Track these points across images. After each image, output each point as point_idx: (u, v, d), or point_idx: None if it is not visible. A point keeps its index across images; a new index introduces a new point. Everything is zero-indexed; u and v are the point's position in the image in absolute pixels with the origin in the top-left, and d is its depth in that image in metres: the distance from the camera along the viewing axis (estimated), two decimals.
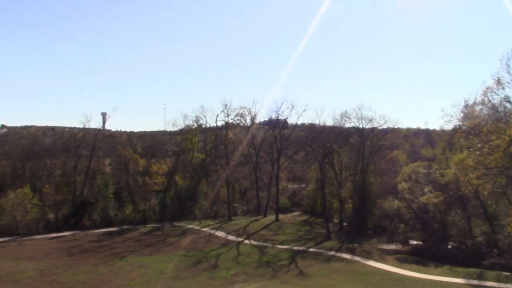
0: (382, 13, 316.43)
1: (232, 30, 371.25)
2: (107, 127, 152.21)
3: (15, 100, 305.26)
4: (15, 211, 77.47)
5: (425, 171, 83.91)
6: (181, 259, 60.40)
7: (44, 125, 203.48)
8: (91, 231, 79.52)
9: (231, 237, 75.68)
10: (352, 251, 67.12)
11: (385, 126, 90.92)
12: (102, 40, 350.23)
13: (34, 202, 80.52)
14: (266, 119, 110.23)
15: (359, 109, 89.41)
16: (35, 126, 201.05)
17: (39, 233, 77.07)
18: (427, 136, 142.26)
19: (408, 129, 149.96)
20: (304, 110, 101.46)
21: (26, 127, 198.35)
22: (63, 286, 48.23)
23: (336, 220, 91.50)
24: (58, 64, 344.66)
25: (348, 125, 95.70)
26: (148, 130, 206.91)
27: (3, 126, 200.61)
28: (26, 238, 73.88)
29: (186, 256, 62.28)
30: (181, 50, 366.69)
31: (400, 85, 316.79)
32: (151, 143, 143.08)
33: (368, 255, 64.84)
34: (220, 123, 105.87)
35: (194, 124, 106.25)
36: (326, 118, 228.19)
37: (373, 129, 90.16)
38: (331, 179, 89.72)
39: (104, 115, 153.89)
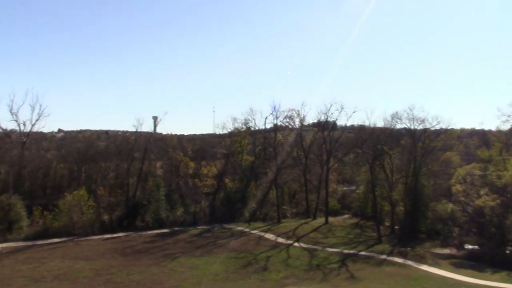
0: (433, 10, 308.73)
1: (280, 33, 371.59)
2: (158, 130, 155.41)
3: (71, 105, 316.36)
4: (72, 213, 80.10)
5: (481, 173, 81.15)
6: (231, 261, 60.85)
7: (98, 129, 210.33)
8: (144, 232, 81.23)
9: (280, 240, 75.60)
10: (404, 255, 65.76)
11: (437, 127, 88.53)
12: (154, 46, 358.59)
13: (89, 203, 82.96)
14: (315, 120, 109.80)
15: (411, 109, 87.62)
16: (90, 130, 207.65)
17: (95, 234, 79.41)
18: (482, 137, 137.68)
19: (462, 130, 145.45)
20: (354, 112, 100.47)
21: (81, 131, 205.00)
22: (118, 286, 49.55)
23: (387, 223, 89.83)
24: (112, 70, 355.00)
25: (399, 126, 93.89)
26: (197, 133, 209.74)
27: (60, 130, 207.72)
28: (82, 238, 76.30)
29: (236, 258, 62.69)
30: (230, 53, 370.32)
31: (454, 85, 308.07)
32: (201, 146, 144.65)
33: (421, 260, 63.38)
34: (269, 126, 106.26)
35: (243, 126, 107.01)
36: (376, 119, 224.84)
37: (425, 130, 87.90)
38: (382, 181, 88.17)
39: (155, 119, 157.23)
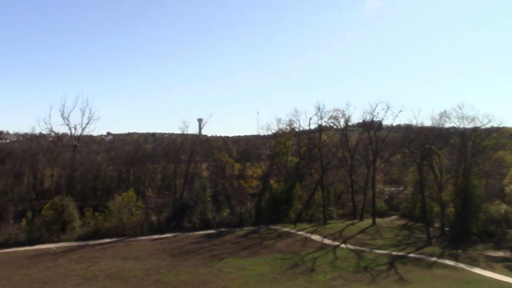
0: (483, 6, 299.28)
1: (323, 33, 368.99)
2: (204, 132, 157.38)
3: (119, 109, 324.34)
4: (121, 214, 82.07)
5: None
6: (277, 262, 60.84)
7: (145, 132, 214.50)
8: (191, 233, 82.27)
9: (327, 241, 75.04)
10: (455, 258, 63.98)
11: (488, 126, 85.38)
12: (199, 49, 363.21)
13: (138, 205, 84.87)
14: (360, 120, 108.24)
15: (460, 108, 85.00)
16: (137, 133, 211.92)
17: (143, 235, 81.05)
18: None
19: None
20: (400, 111, 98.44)
21: (129, 134, 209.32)
22: (166, 285, 50.44)
23: (437, 225, 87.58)
24: (158, 74, 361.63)
25: (448, 125, 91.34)
26: (242, 134, 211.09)
27: (108, 133, 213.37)
28: (132, 239, 78.04)
29: (282, 259, 62.63)
30: (274, 54, 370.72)
31: (505, 82, 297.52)
32: (245, 148, 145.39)
33: (474, 262, 61.48)
34: (313, 126, 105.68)
35: (288, 127, 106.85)
36: (424, 118, 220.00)
37: (475, 129, 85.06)
38: (431, 181, 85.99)
39: (200, 121, 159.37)
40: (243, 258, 63.67)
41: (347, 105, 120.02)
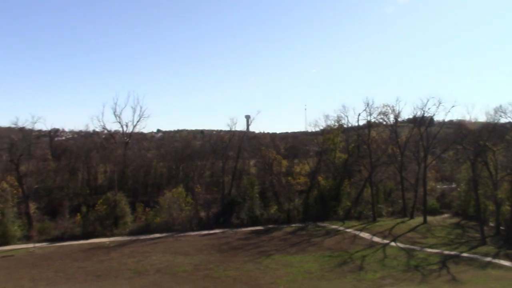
0: None
1: (371, 29, 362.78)
2: (251, 129, 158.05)
3: (169, 106, 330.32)
4: (171, 209, 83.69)
5: None
6: (326, 260, 60.45)
7: (194, 128, 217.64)
8: (239, 229, 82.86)
9: (376, 239, 73.90)
10: (511, 258, 61.60)
11: None
12: (246, 46, 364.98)
13: (187, 200, 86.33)
14: (411, 116, 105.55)
15: None
16: (186, 130, 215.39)
17: (192, 230, 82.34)
18: None
19: None
20: (453, 106, 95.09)
21: (178, 131, 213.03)
22: (215, 281, 51.06)
23: (491, 224, 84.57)
24: (206, 72, 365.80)
25: (503, 120, 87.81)
26: (290, 131, 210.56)
27: (158, 130, 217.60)
28: (181, 234, 79.40)
29: (331, 256, 62.16)
30: (321, 51, 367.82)
31: None
32: (293, 144, 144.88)
33: None
34: (362, 122, 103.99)
35: (336, 124, 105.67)
36: (478, 113, 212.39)
37: None
38: (485, 179, 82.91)
39: (248, 117, 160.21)
40: (291, 255, 63.63)
41: (397, 100, 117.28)
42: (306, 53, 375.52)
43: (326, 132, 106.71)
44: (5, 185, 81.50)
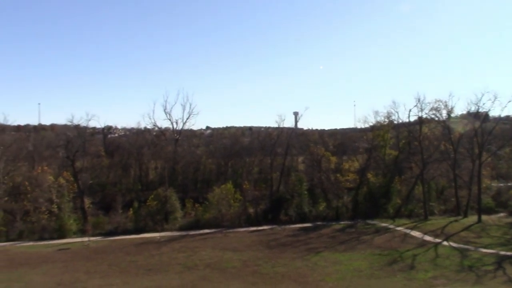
0: None
1: (423, 22, 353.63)
2: (300, 125, 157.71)
3: (218, 104, 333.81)
4: (220, 205, 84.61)
5: None
6: (375, 258, 59.49)
7: (242, 125, 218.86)
8: (287, 226, 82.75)
9: (427, 238, 72.06)
10: None
11: None
12: (293, 42, 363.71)
13: (236, 197, 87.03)
14: (465, 112, 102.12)
15: None
16: (235, 127, 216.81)
17: (241, 226, 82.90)
18: None
19: None
20: (509, 101, 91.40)
21: (227, 128, 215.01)
22: (264, 277, 51.25)
23: None
24: (254, 68, 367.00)
25: None
26: (338, 127, 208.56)
27: (207, 127, 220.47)
28: (230, 230, 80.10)
29: (380, 255, 61.12)
30: (369, 46, 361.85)
31: None
32: (342, 141, 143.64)
33: None
34: (413, 118, 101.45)
35: (386, 120, 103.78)
36: None
37: None
38: None
39: (296, 114, 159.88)
40: (340, 252, 63.02)
41: (449, 95, 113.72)
42: (354, 48, 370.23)
43: (376, 129, 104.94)
44: (61, 180, 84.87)
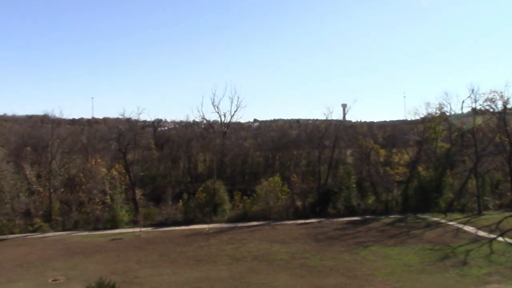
0: None
1: (477, 6, 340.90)
2: (348, 118, 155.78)
3: (265, 96, 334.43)
4: (268, 198, 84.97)
5: None
6: (426, 253, 58.14)
7: (290, 118, 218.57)
8: (335, 219, 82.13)
9: (481, 233, 69.74)
10: None
11: None
12: (339, 35, 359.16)
13: (284, 189, 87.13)
14: None
15: None
16: (282, 120, 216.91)
17: (289, 219, 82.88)
18: None
19: None
20: None
21: (274, 121, 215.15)
22: (311, 270, 51.10)
23: None
24: (301, 62, 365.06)
25: None
26: (388, 119, 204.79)
27: (255, 120, 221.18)
28: (278, 223, 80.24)
29: (431, 250, 59.67)
30: (419, 36, 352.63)
31: None
32: (391, 133, 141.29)
33: None
34: (466, 110, 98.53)
35: (437, 111, 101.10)
36: None
37: None
38: None
39: (344, 106, 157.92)
40: (389, 246, 61.98)
41: (505, 86, 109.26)
42: (405, 38, 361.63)
43: (427, 121, 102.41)
44: (114, 172, 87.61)
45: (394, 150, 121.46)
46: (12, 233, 74.53)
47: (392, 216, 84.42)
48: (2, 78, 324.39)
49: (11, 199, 78.33)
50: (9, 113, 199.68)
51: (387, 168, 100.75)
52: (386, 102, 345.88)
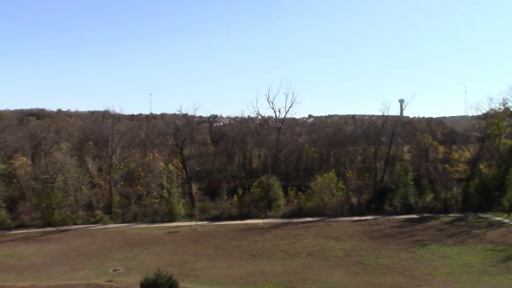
0: None
1: None
2: (405, 113, 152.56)
3: (320, 91, 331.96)
4: (322, 194, 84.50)
5: None
6: (488, 253, 56.09)
7: (345, 113, 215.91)
8: (392, 217, 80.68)
9: None
10: None
11: None
12: (398, 29, 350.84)
13: (339, 186, 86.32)
14: None
15: None
16: (338, 115, 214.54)
17: (343, 216, 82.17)
18: None
19: None
20: None
21: (329, 116, 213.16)
22: (367, 267, 50.45)
23: None
24: (356, 56, 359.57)
25: None
26: (447, 115, 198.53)
27: (310, 116, 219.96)
28: (332, 219, 79.66)
29: (493, 250, 57.51)
30: (483, 27, 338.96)
31: None
32: (451, 129, 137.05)
33: None
34: None
35: (501, 107, 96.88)
36: None
37: None
38: None
39: (402, 102, 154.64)
40: (448, 246, 60.23)
41: None
42: (465, 30, 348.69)
43: (490, 116, 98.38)
44: (171, 167, 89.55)
45: (454, 147, 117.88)
46: (75, 224, 77.90)
47: (451, 215, 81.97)
48: (65, 76, 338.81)
49: (75, 192, 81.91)
50: (73, 109, 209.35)
51: (446, 165, 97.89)
52: (445, 98, 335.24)
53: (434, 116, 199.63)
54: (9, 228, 75.36)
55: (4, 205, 79.30)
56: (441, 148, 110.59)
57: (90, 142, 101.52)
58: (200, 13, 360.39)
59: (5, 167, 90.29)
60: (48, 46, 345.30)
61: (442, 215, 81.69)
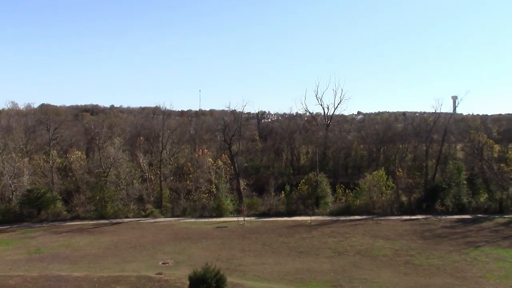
0: None
1: None
2: (459, 111, 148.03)
3: (370, 88, 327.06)
4: (371, 192, 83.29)
5: None
6: None
7: (395, 110, 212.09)
8: (443, 217, 78.52)
9: None
10: None
11: None
12: (451, 24, 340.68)
13: (388, 184, 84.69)
14: None
15: None
16: (388, 112, 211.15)
17: (393, 214, 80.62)
18: None
19: None
20: None
21: (379, 113, 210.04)
22: (417, 268, 49.40)
23: None
24: (407, 52, 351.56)
25: None
26: (504, 113, 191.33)
27: (359, 113, 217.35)
28: (381, 218, 78.25)
29: None
30: None
31: None
32: (507, 127, 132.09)
33: None
34: None
35: None
36: None
37: None
38: None
39: (455, 98, 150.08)
40: (503, 248, 58.11)
41: None
42: None
43: None
44: (219, 163, 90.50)
45: (510, 146, 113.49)
46: (127, 217, 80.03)
47: (507, 216, 78.86)
48: (118, 73, 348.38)
49: (126, 186, 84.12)
50: (125, 105, 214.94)
51: (502, 165, 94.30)
52: (502, 94, 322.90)
53: (489, 114, 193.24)
54: (65, 220, 78.35)
55: (60, 197, 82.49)
56: (497, 147, 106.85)
57: (141, 138, 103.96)
58: (249, 11, 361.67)
59: (61, 161, 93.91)
60: (104, 45, 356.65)
61: (497, 216, 78.81)
